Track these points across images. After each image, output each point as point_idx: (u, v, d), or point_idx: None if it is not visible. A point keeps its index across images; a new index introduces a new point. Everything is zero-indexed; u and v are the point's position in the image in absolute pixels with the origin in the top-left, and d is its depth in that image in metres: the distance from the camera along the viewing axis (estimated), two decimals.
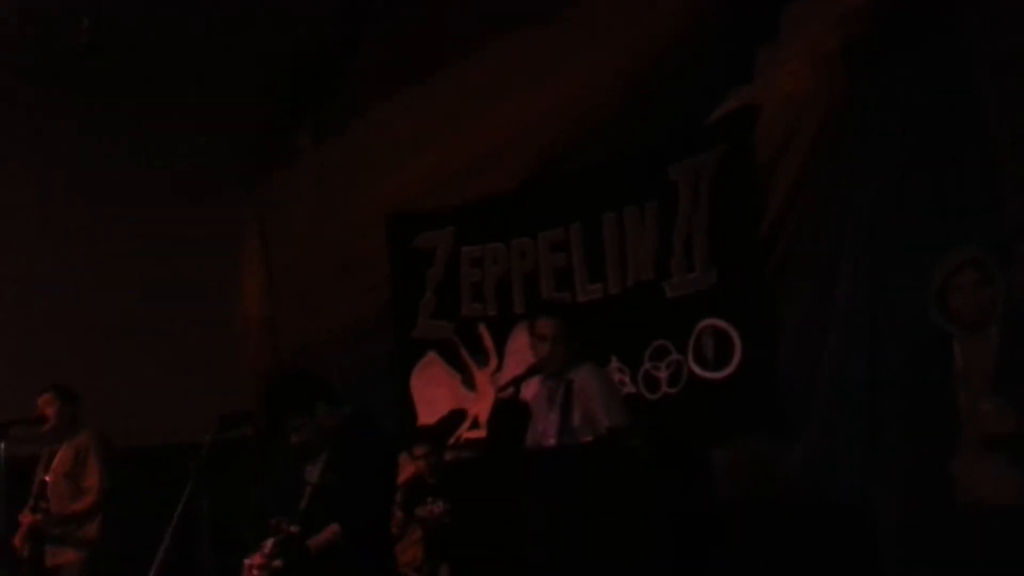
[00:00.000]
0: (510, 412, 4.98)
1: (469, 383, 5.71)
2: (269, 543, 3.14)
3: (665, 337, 4.80)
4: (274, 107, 6.72)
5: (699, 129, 4.78)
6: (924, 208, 3.95)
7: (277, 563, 3.09)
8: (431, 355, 5.86)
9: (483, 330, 5.65)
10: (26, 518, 4.65)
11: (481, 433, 5.53)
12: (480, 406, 5.60)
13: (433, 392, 5.80)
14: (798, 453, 4.09)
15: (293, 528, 3.15)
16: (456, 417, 5.68)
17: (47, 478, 4.80)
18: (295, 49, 6.39)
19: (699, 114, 4.77)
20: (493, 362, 5.60)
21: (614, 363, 4.91)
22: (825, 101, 4.24)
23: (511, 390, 4.46)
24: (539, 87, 5.47)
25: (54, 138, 5.90)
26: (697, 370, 4.63)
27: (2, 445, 4.64)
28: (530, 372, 4.60)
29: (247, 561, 3.22)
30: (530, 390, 4.89)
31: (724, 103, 4.64)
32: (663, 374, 4.78)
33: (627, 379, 4.89)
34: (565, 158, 5.50)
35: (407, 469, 5.26)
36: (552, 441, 3.54)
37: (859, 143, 4.20)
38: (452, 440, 5.57)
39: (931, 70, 3.97)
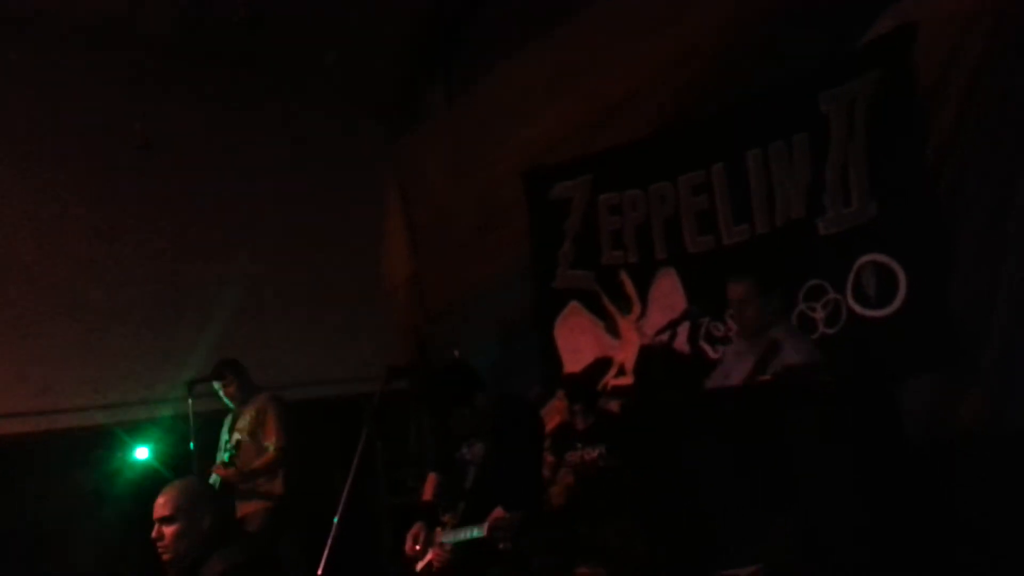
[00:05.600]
0: (659, 358, 4.96)
1: (613, 331, 5.68)
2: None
3: (820, 276, 4.63)
4: (407, 67, 6.80)
5: (850, 54, 4.55)
6: None
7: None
8: (573, 304, 5.85)
9: (624, 277, 5.59)
10: (219, 471, 4.95)
11: (627, 380, 5.51)
12: (625, 353, 5.57)
13: (578, 341, 5.80)
14: (978, 384, 3.91)
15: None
16: (602, 365, 5.67)
17: (236, 436, 5.10)
18: (423, 7, 6.42)
19: (848, 38, 4.54)
20: (636, 309, 5.55)
21: None
22: (993, 15, 3.95)
23: (667, 335, 4.46)
24: (670, 27, 5.32)
25: (207, 113, 6.14)
26: (858, 308, 4.45)
27: (191, 401, 4.99)
28: (684, 317, 4.61)
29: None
30: (681, 337, 4.86)
31: (876, 23, 4.41)
32: (819, 314, 4.63)
33: None
34: (702, 99, 5.34)
35: (554, 417, 5.32)
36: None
37: None
38: (599, 388, 5.57)
39: None
